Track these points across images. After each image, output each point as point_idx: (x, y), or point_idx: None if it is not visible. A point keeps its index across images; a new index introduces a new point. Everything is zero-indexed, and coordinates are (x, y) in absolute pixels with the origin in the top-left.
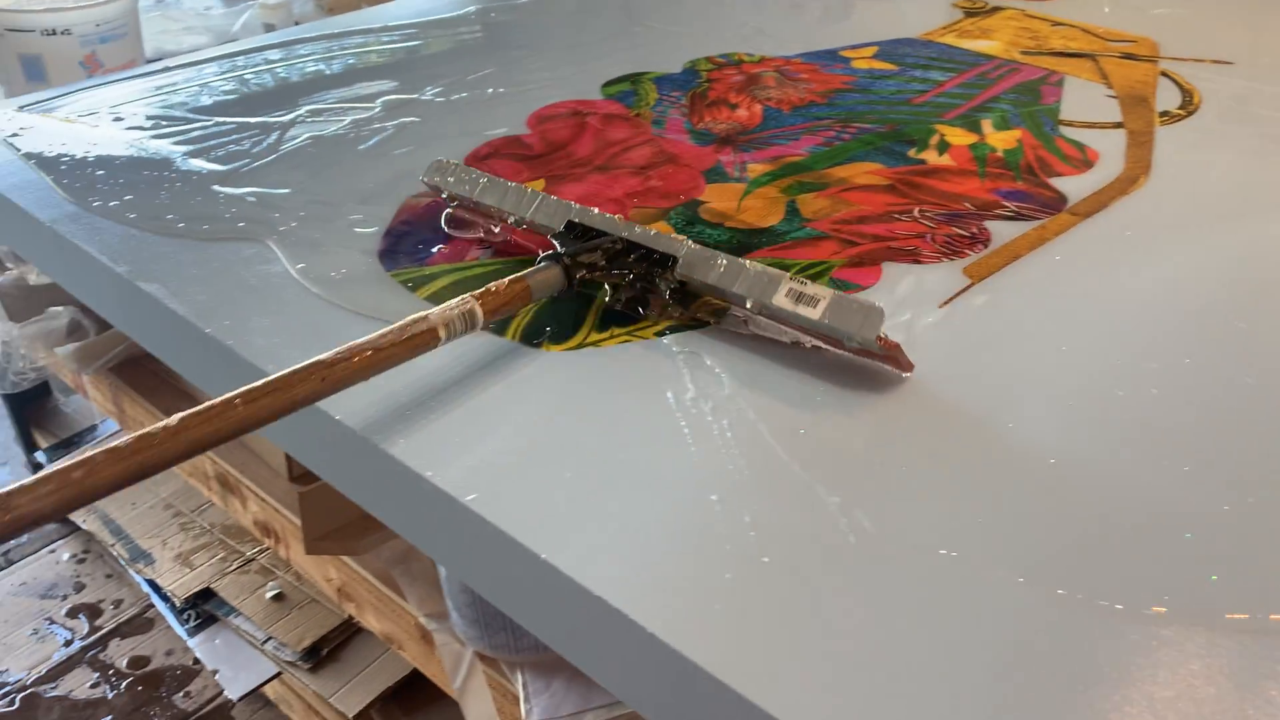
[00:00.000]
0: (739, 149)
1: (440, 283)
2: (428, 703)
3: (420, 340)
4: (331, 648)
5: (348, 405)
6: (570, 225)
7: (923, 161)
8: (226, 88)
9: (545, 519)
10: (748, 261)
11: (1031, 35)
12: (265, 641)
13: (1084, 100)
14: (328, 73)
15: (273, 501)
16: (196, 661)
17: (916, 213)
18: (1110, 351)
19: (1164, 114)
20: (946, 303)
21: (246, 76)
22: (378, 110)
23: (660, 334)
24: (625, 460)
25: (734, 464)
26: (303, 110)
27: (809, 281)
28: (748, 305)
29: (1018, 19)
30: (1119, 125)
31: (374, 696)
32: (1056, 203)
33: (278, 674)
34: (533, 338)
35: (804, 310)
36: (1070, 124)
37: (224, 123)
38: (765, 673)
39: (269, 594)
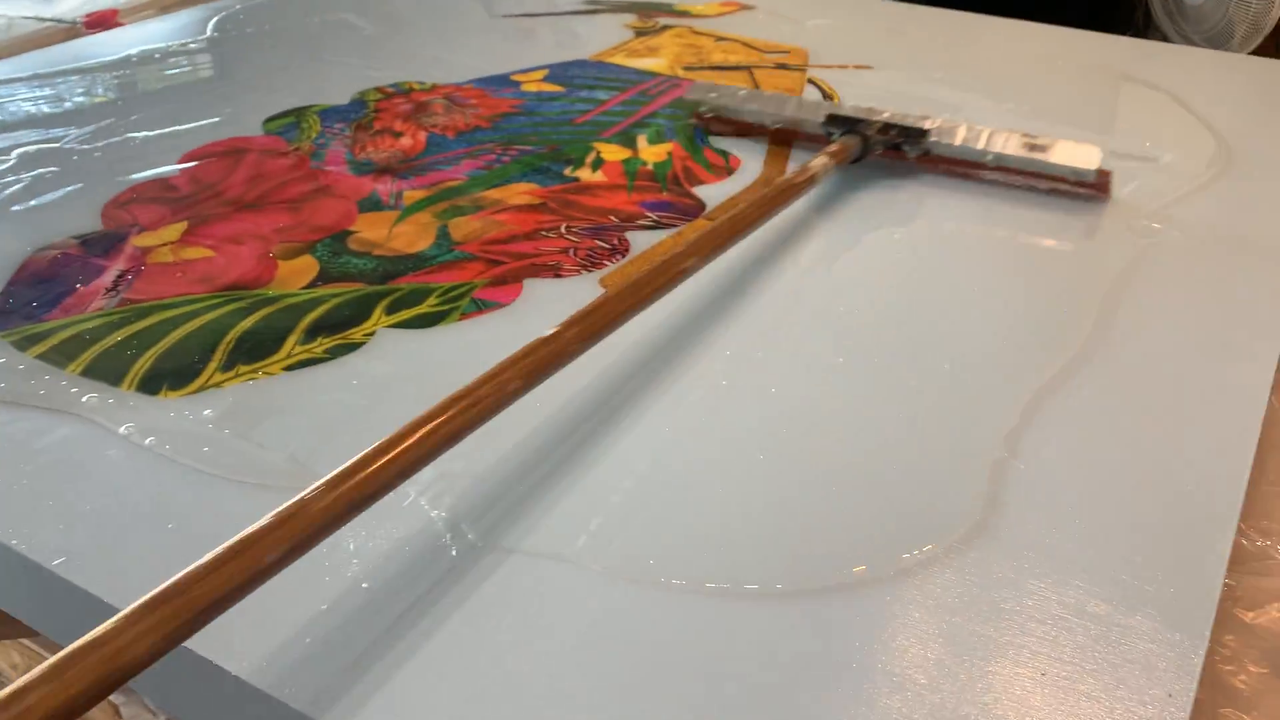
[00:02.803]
0: (398, 177)
1: (57, 338)
2: None
3: (802, 185)
4: None
5: None
6: (830, 117)
7: (577, 179)
8: None
9: (130, 571)
10: (982, 127)
11: (695, 51)
12: None
13: None
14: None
15: None
16: None
17: (563, 229)
18: (732, 347)
19: None
20: None
21: None
22: (11, 163)
23: (289, 368)
24: (218, 498)
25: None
26: None
27: (1035, 135)
28: (989, 159)
29: (684, 36)
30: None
31: None
32: (695, 209)
33: None
34: (152, 385)
35: (1039, 155)
36: (720, 134)
37: None
38: (358, 704)
39: None
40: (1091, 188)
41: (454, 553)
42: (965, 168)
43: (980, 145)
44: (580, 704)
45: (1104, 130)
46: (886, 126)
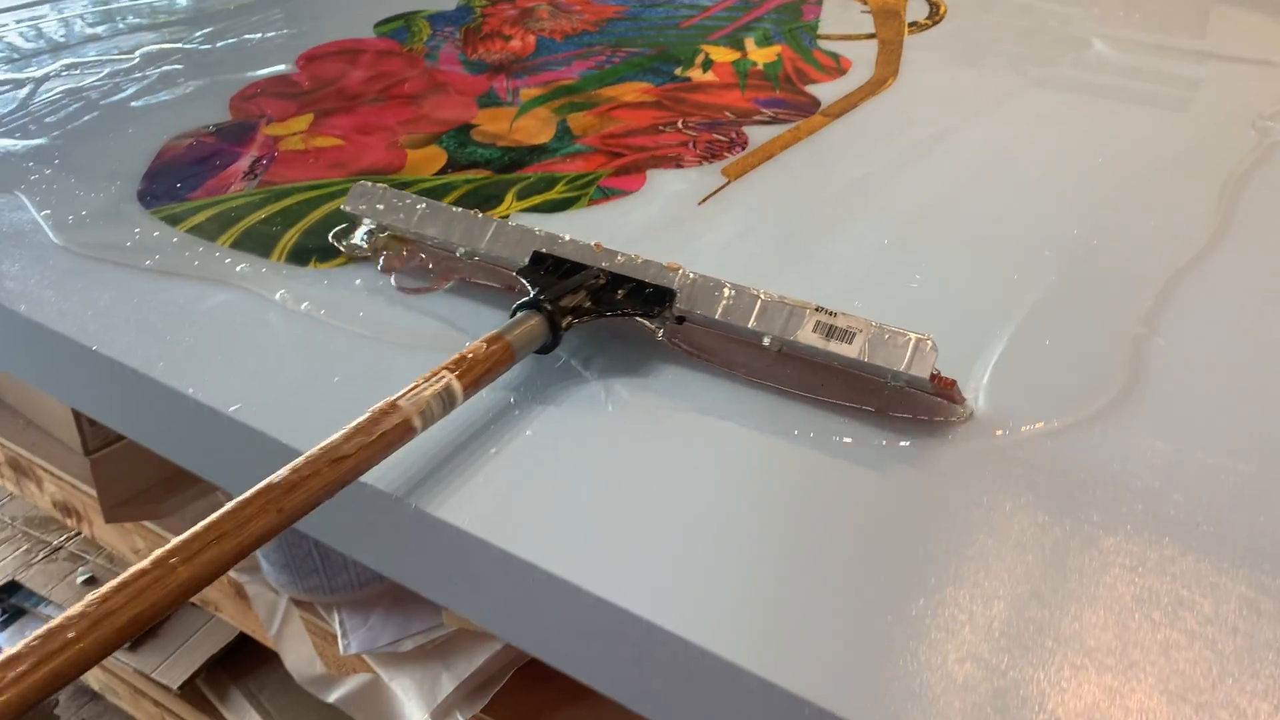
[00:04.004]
0: (512, 76)
1: (202, 215)
2: (256, 666)
3: (393, 436)
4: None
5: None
6: (538, 257)
7: (688, 79)
8: None
9: (305, 418)
10: (761, 292)
11: None
12: None
13: (841, 16)
14: (85, 28)
15: (68, 477)
16: None
17: (680, 124)
18: (849, 235)
19: (913, 24)
20: (705, 200)
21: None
22: (136, 60)
23: None
24: (377, 358)
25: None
26: (57, 65)
27: (838, 313)
28: (765, 343)
29: None
30: (872, 36)
31: (198, 666)
32: (810, 106)
33: None
34: (301, 257)
35: (837, 347)
36: (828, 38)
37: None
38: (542, 537)
39: (80, 579)
40: (934, 397)
41: (609, 408)
42: (736, 357)
43: (752, 321)
44: (719, 534)
45: (1207, 36)
46: (614, 282)
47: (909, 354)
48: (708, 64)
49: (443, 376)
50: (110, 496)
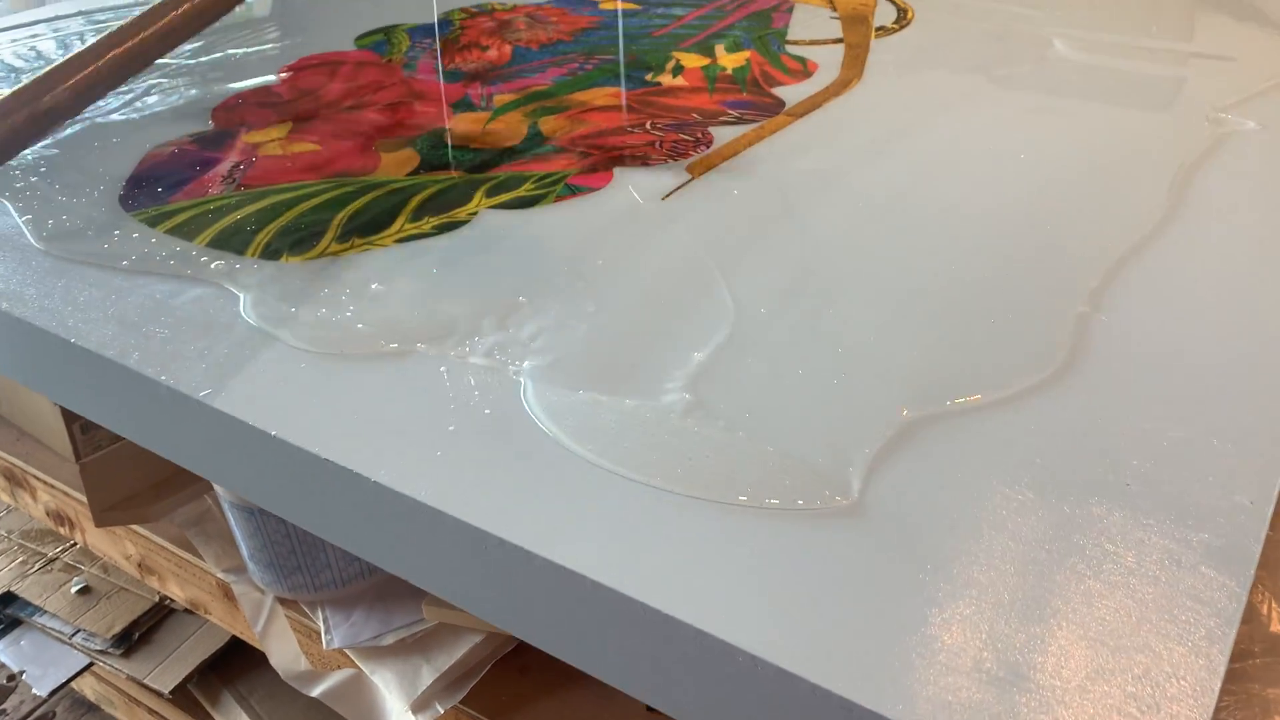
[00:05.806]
0: (487, 83)
1: (181, 217)
2: (246, 670)
3: None
4: (143, 631)
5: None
6: None
7: (658, 84)
8: None
9: (272, 402)
10: None
11: None
12: (74, 635)
13: (810, 22)
14: (72, 49)
15: (60, 485)
16: (10, 679)
17: (648, 125)
18: (809, 226)
19: (880, 28)
20: (669, 195)
21: None
22: None
23: (400, 241)
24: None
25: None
26: None
27: None
28: None
29: None
30: (839, 41)
31: (190, 670)
32: (775, 107)
33: (89, 665)
34: (274, 251)
35: None
36: (796, 43)
37: None
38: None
39: (74, 589)
40: None
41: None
42: None
43: None
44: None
45: (1165, 35)
46: None
47: None
48: (678, 69)
49: None
50: (100, 501)
